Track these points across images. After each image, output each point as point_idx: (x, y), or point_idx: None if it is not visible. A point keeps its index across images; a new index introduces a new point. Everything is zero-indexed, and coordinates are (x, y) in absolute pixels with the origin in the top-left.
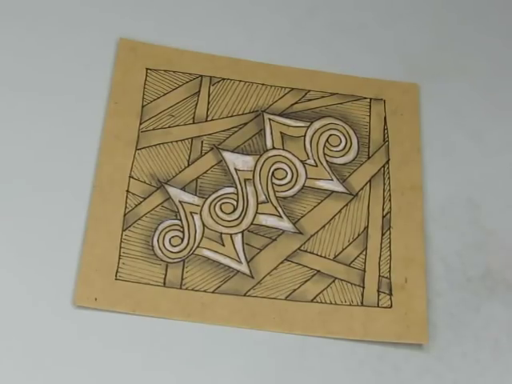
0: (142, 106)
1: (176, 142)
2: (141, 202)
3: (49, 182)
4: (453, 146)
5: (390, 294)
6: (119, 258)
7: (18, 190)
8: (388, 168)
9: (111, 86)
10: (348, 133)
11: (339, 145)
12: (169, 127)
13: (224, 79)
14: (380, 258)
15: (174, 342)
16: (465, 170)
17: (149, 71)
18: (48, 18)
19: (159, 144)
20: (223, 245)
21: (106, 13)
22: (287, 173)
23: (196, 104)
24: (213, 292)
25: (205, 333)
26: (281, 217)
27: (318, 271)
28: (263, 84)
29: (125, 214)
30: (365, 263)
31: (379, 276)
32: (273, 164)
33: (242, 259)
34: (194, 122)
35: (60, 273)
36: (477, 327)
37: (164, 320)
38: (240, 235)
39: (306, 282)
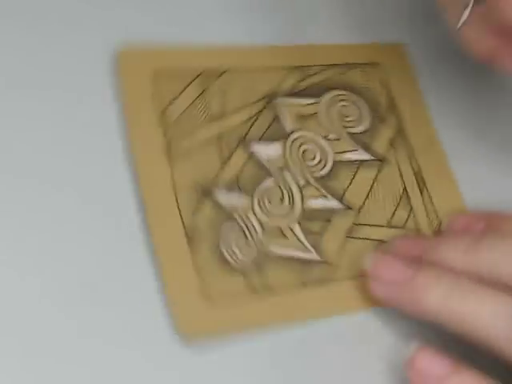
0: (161, 113)
1: (204, 144)
2: (195, 213)
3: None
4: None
5: None
6: (199, 278)
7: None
8: (403, 128)
9: (124, 99)
10: (356, 101)
11: (353, 114)
12: (191, 130)
13: (226, 71)
14: (427, 214)
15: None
16: None
17: (155, 76)
18: (45, 22)
19: (189, 150)
20: (287, 238)
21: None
22: (315, 152)
23: (209, 101)
24: (297, 288)
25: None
26: (326, 197)
27: (380, 240)
28: (264, 67)
29: (186, 232)
30: (416, 222)
31: (433, 231)
32: (299, 146)
33: (310, 247)
34: (212, 120)
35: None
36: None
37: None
38: (297, 225)
39: None
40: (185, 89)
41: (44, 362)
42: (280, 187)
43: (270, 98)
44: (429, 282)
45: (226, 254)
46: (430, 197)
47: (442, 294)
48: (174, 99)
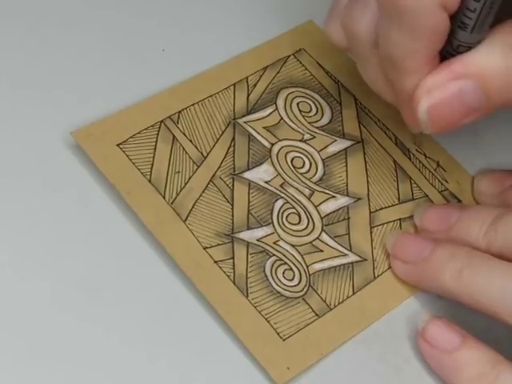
0: (150, 181)
1: (202, 193)
2: (233, 262)
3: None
4: None
5: (460, 200)
6: (268, 323)
7: None
8: (361, 103)
9: (111, 181)
10: (308, 93)
11: (312, 107)
12: (185, 184)
13: (180, 111)
14: (426, 178)
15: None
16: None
17: (121, 146)
18: None
19: (194, 204)
20: (322, 251)
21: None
22: (302, 157)
23: (183, 149)
24: (354, 293)
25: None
26: (335, 197)
27: (400, 219)
28: (212, 93)
29: (234, 282)
30: (421, 189)
31: (440, 192)
32: (285, 157)
33: (345, 251)
34: (199, 165)
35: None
36: (478, 328)
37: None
38: (324, 233)
39: None
40: (156, 146)
41: (51, 363)
42: (291, 204)
43: (233, 120)
44: (444, 259)
45: (278, 288)
46: (420, 161)
47: (456, 270)
48: (153, 161)
